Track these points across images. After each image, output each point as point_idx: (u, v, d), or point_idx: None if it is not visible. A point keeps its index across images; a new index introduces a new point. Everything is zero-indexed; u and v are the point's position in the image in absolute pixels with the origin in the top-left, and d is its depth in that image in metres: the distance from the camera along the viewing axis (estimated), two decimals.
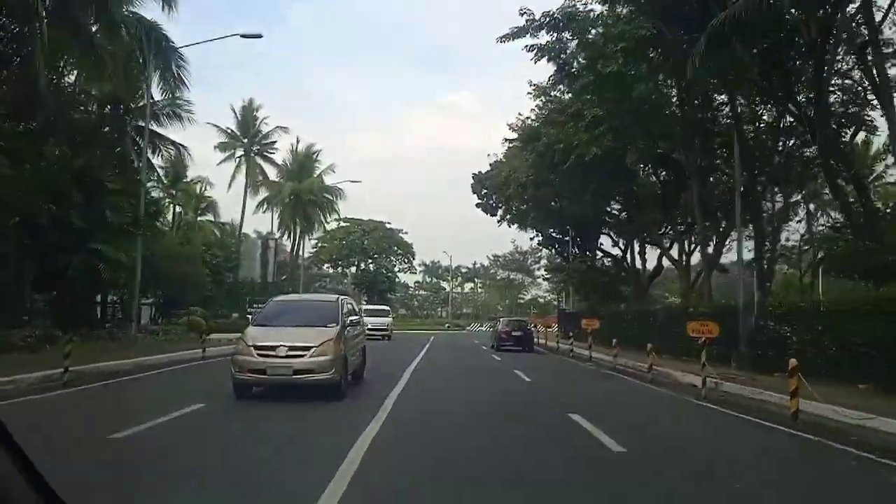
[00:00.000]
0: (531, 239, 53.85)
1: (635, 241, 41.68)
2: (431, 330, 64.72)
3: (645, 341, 20.20)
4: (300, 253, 50.43)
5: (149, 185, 28.54)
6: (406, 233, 78.55)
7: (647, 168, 32.71)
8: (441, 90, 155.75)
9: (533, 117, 29.90)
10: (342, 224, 76.64)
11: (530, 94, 29.41)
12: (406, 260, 79.52)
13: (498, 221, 52.07)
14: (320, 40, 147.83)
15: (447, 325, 71.16)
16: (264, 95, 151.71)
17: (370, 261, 75.77)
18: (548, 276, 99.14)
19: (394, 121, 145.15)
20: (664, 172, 32.00)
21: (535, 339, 37.57)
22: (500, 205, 51.64)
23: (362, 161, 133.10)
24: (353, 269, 77.59)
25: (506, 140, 35.99)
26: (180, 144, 27.85)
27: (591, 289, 41.83)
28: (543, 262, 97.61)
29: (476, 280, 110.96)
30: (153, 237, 28.13)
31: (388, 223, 77.24)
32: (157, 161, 28.41)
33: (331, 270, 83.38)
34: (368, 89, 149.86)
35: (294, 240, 48.03)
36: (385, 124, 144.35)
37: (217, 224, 45.16)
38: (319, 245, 76.52)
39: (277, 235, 49.07)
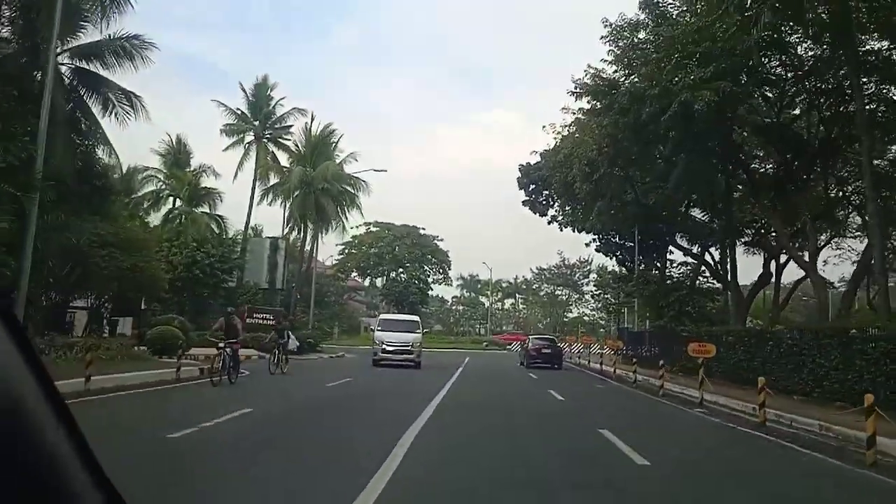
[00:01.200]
0: (587, 245, 45.82)
1: (723, 246, 33.32)
2: (467, 349, 56.83)
3: (755, 374, 15.95)
4: (314, 255, 43.07)
5: (98, 152, 21.49)
6: (441, 240, 71.02)
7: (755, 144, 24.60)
8: (479, 107, 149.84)
9: (609, 69, 22.03)
10: (372, 229, 69.66)
11: (605, 38, 21.56)
12: (441, 270, 71.82)
13: (549, 221, 44.48)
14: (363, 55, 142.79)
15: (485, 343, 63.16)
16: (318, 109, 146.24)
17: (401, 270, 68.33)
18: (597, 291, 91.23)
19: (431, 137, 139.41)
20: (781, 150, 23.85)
21: (600, 366, 29.74)
22: (551, 201, 43.86)
23: (397, 176, 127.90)
24: (383, 279, 70.21)
25: (566, 110, 28.12)
26: (132, 93, 20.77)
27: (665, 304, 33.52)
28: (593, 276, 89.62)
29: (517, 295, 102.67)
30: (101, 219, 21.12)
31: (422, 228, 69.91)
32: (110, 125, 21.14)
33: (360, 280, 76.25)
34: (404, 104, 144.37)
35: (304, 237, 40.71)
36: (422, 140, 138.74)
37: (215, 217, 38.26)
38: (347, 252, 69.50)
39: (286, 232, 41.79)
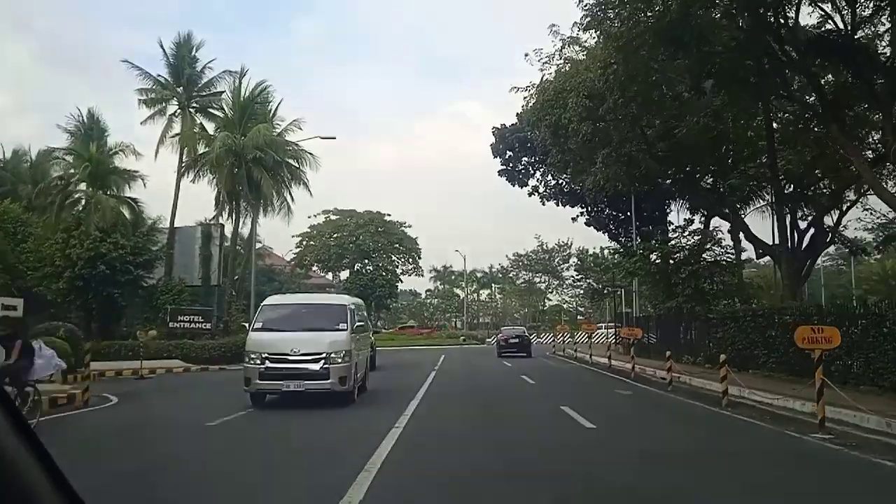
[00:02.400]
0: (574, 220, 39.88)
1: (732, 211, 27.58)
2: (443, 345, 50.66)
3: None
4: (252, 242, 36.34)
5: None
6: (409, 226, 64.46)
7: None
8: (449, 100, 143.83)
9: None
10: (331, 217, 62.95)
11: None
12: (411, 260, 65.33)
13: (529, 193, 38.57)
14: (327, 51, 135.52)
15: (462, 337, 57.07)
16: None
17: (366, 261, 61.72)
18: (578, 276, 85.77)
19: (401, 131, 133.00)
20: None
21: (608, 361, 23.92)
22: (532, 169, 37.89)
23: (370, 170, 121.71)
24: (347, 272, 63.51)
25: (555, 33, 21.74)
26: None
27: (678, 282, 27.62)
28: (573, 260, 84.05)
29: (493, 285, 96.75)
30: None
31: (388, 215, 63.31)
32: None
33: (323, 275, 69.51)
34: (373, 98, 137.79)
35: (235, 220, 33.97)
36: (393, 135, 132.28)
37: (126, 201, 31.43)
38: (305, 243, 62.71)
39: (213, 216, 35.03)
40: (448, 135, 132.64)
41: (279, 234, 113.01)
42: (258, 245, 76.78)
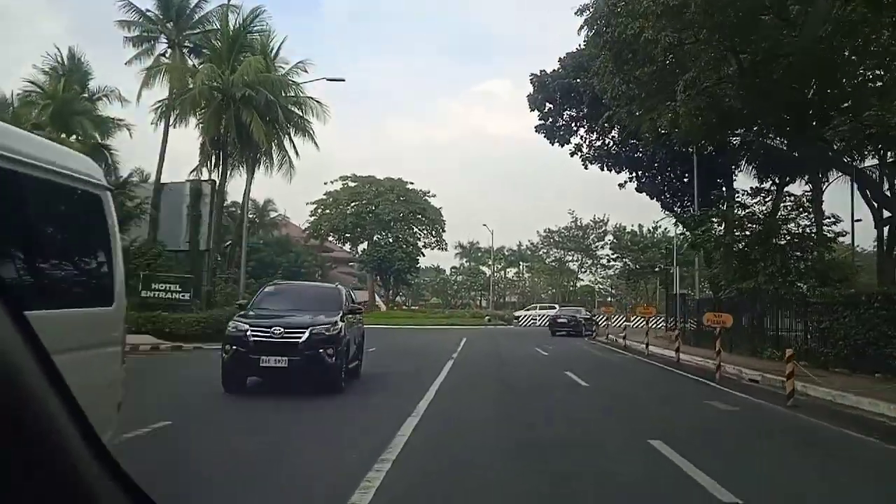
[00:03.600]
0: (621, 186, 34.29)
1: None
2: (465, 325, 45.71)
3: None
4: (245, 200, 31.37)
5: None
6: (433, 195, 59.19)
7: None
8: (476, 78, 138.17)
9: None
10: (349, 183, 57.99)
11: None
12: (434, 232, 60.13)
13: (571, 152, 33.13)
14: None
15: (487, 317, 51.98)
16: None
17: (385, 232, 56.73)
18: (614, 255, 79.95)
19: (428, 109, 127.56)
20: None
21: (676, 356, 18.71)
22: (575, 124, 32.43)
23: (395, 147, 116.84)
24: (366, 244, 58.61)
25: None
26: None
27: (761, 257, 22.16)
28: (609, 239, 78.22)
29: (521, 263, 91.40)
30: None
31: (410, 182, 58.14)
32: None
33: (341, 246, 64.83)
34: (401, 77, 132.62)
35: (222, 173, 28.86)
36: (419, 112, 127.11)
37: (98, 148, 26.70)
38: (320, 211, 57.93)
39: (195, 168, 30.09)
40: (476, 114, 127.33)
41: (298, 201, 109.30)
42: (274, 213, 72.88)
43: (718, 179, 31.23)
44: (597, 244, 78.55)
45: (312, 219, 57.78)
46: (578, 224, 76.75)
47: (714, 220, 24.32)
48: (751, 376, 15.55)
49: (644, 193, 33.58)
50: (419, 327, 43.13)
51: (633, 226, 76.88)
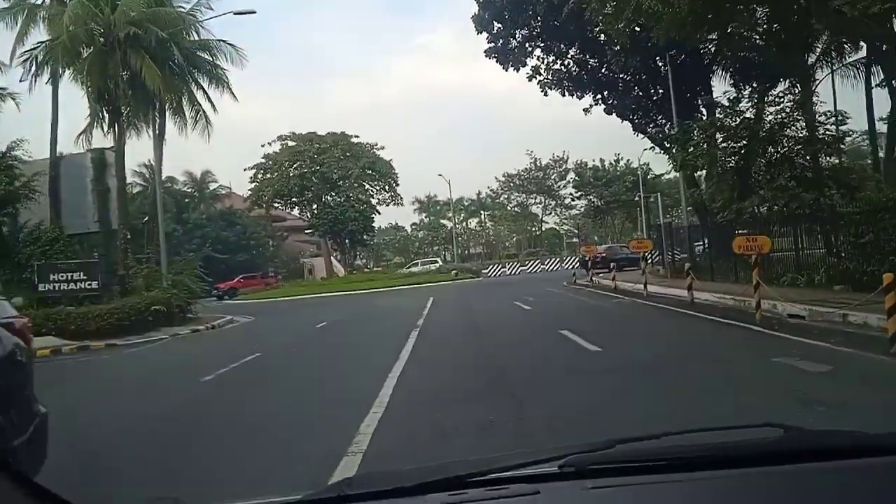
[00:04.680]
0: (586, 111, 30.70)
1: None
2: (432, 282, 42.20)
3: None
4: (157, 171, 26.64)
5: None
6: (382, 148, 54.76)
7: None
8: (413, 32, 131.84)
9: None
10: (288, 143, 53.19)
11: None
12: (387, 187, 55.90)
13: (529, 77, 29.29)
14: None
15: (454, 271, 48.53)
16: None
17: (335, 193, 52.35)
18: (577, 193, 76.87)
19: (369, 68, 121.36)
20: None
21: (689, 295, 15.46)
22: (530, 45, 28.55)
23: (338, 110, 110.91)
24: (315, 207, 54.09)
25: None
26: None
27: (757, 172, 18.96)
28: (571, 177, 74.97)
29: (483, 212, 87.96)
30: None
31: (355, 136, 53.60)
32: None
33: (289, 212, 60.28)
34: (336, 34, 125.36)
35: (119, 136, 23.89)
36: (360, 71, 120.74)
37: None
38: (260, 177, 53.19)
39: (82, 131, 25.23)
40: (419, 67, 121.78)
41: (241, 173, 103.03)
42: (214, 185, 67.55)
43: (697, 87, 27.85)
44: (559, 183, 75.41)
45: (253, 185, 53.08)
46: (538, 164, 73.28)
47: (701, 133, 20.89)
48: (791, 311, 12.34)
49: (615, 116, 30.04)
50: (381, 290, 39.49)
51: (594, 161, 73.99)
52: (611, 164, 73.16)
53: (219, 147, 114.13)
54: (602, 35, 25.53)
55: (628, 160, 72.22)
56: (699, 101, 28.58)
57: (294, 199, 53.72)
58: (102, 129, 22.84)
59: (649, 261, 22.32)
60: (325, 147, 51.45)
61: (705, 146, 20.27)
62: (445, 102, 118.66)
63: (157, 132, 23.92)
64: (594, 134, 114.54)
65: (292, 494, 1.47)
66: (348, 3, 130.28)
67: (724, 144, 21.02)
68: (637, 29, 22.27)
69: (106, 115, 22.58)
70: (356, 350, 12.76)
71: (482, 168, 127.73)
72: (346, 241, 54.81)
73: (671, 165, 23.24)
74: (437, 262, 56.39)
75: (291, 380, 9.96)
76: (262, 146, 52.24)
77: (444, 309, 21.08)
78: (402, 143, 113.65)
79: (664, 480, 1.41)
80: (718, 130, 20.51)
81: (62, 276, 20.93)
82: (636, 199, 63.69)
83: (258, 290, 47.51)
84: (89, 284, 21.09)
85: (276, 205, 54.36)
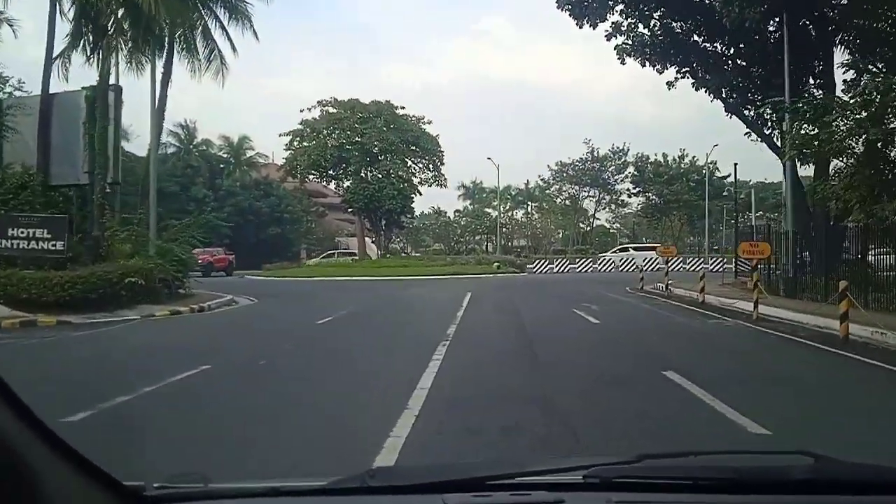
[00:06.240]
0: (670, 85, 25.79)
1: None
2: (471, 274, 37.75)
3: None
4: (159, 116, 22.30)
5: None
6: (429, 122, 50.19)
7: None
8: (471, 17, 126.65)
9: None
10: (329, 110, 49.06)
11: None
12: (431, 166, 51.40)
13: (607, 36, 24.51)
14: None
15: (496, 263, 43.93)
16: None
17: (374, 167, 48.07)
18: (635, 190, 71.04)
19: (422, 50, 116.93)
20: None
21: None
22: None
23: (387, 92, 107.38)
24: (350, 182, 49.91)
25: None
26: None
27: None
28: (630, 170, 69.26)
29: (530, 203, 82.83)
30: None
31: (401, 107, 49.18)
32: None
33: (325, 186, 56.46)
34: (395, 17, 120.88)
35: (101, 61, 19.69)
36: (412, 53, 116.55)
37: None
38: (297, 144, 49.32)
39: (60, 54, 21.09)
40: (475, 53, 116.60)
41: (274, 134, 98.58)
42: (252, 152, 64.08)
43: (812, 63, 22.65)
44: (616, 177, 69.75)
45: (288, 154, 49.22)
46: (595, 155, 67.72)
47: (844, 108, 15.85)
48: None
49: (705, 90, 25.02)
50: (414, 278, 35.23)
51: (656, 155, 68.24)
52: (674, 160, 67.50)
53: (263, 119, 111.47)
54: None
55: (694, 157, 66.54)
56: (811, 81, 23.53)
57: (330, 172, 49.65)
58: (86, 52, 18.79)
59: (761, 270, 17.28)
60: (367, 116, 47.13)
61: (851, 123, 15.23)
62: (499, 89, 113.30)
63: (153, 63, 19.90)
64: (656, 135, 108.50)
65: (317, 481, 1.48)
66: None
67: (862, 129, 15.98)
68: None
69: (90, 35, 18.52)
70: (347, 376, 8.42)
71: (533, 158, 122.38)
72: (383, 221, 50.57)
73: (788, 148, 18.12)
74: (355, 254, 50.91)
75: (210, 433, 5.65)
76: (301, 111, 48.26)
77: (484, 313, 16.60)
78: (450, 127, 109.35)
79: (689, 500, 1.39)
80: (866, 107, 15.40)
81: (22, 233, 17.14)
82: (699, 200, 58.24)
83: (286, 267, 43.98)
84: (53, 245, 17.25)
85: (310, 176, 50.35)
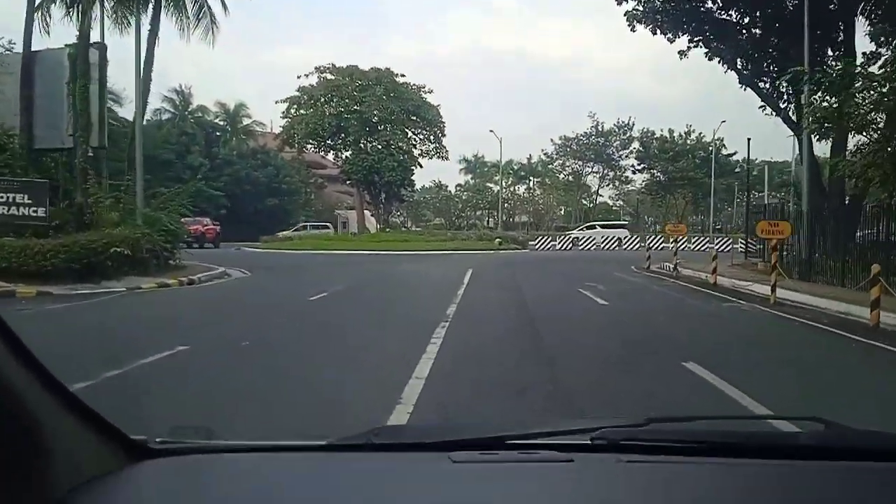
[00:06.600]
0: (682, 54, 24.69)
1: None
2: (472, 251, 36.98)
3: None
4: (141, 78, 20.95)
5: None
6: (430, 92, 48.92)
7: None
8: None
9: None
10: (327, 76, 47.77)
11: None
12: (433, 137, 50.26)
13: (626, 13, 23.40)
14: None
15: (498, 239, 43.09)
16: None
17: (374, 138, 46.94)
18: (640, 166, 69.91)
19: (424, 20, 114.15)
20: None
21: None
22: None
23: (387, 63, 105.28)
24: (348, 153, 48.83)
25: None
26: None
27: None
28: (635, 146, 68.00)
29: (532, 178, 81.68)
30: None
31: (402, 75, 47.86)
32: None
33: (322, 155, 55.38)
34: None
35: (81, 16, 18.45)
36: (413, 24, 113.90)
37: None
38: (294, 111, 48.13)
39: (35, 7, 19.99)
40: (473, 23, 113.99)
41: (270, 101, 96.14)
42: (248, 120, 62.77)
43: (834, 34, 21.62)
44: (620, 153, 68.54)
45: (285, 122, 48.05)
46: (599, 129, 66.45)
47: (871, 80, 14.90)
48: None
49: (719, 59, 24.03)
50: (413, 253, 34.43)
51: (662, 130, 66.91)
52: (680, 136, 66.20)
53: (261, 88, 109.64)
54: None
55: (701, 133, 65.26)
56: (830, 52, 22.52)
57: (329, 142, 48.53)
58: (66, 3, 17.72)
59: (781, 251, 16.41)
60: (366, 84, 45.89)
61: (875, 95, 14.31)
62: (501, 61, 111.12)
63: (137, 18, 18.84)
64: (661, 111, 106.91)
65: (319, 440, 1.47)
66: None
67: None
68: None
69: None
70: (335, 361, 7.65)
71: (535, 133, 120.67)
72: (382, 193, 49.61)
73: (807, 121, 17.19)
74: (328, 227, 50.23)
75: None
76: (298, 77, 47.01)
77: (486, 291, 15.82)
78: (451, 100, 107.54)
79: (696, 462, 1.40)
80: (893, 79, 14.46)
81: (1, 198, 16.29)
82: (705, 178, 57.23)
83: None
84: (34, 211, 16.46)
85: (308, 146, 49.24)
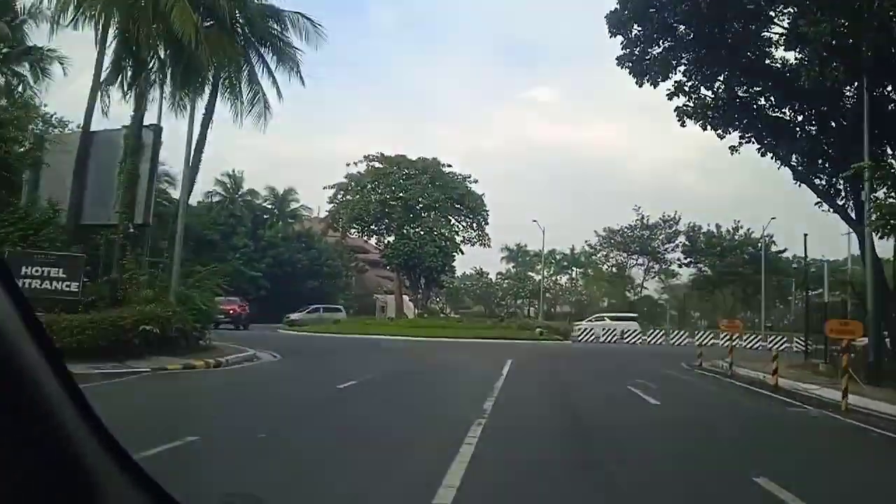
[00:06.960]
0: (734, 150, 24.02)
1: None
2: (512, 339, 35.80)
3: None
4: (188, 156, 21.27)
5: None
6: (475, 181, 49.20)
7: None
8: (523, 85, 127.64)
9: None
10: (375, 165, 48.62)
11: None
12: (475, 225, 50.14)
13: (669, 95, 23.05)
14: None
15: (538, 329, 41.85)
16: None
17: (415, 225, 47.01)
18: (686, 260, 68.41)
19: (472, 114, 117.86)
20: None
21: None
22: (678, 55, 22.38)
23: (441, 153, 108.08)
24: (391, 237, 48.94)
25: None
26: None
27: None
28: (681, 239, 66.76)
29: (575, 269, 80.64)
30: None
31: (448, 165, 48.37)
32: None
33: (365, 240, 55.61)
34: (447, 80, 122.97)
35: (137, 98, 18.85)
36: (462, 117, 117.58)
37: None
38: (341, 198, 48.80)
39: (102, 82, 20.38)
40: (523, 121, 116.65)
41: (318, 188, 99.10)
42: (296, 204, 64.10)
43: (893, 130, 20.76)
44: (665, 246, 67.28)
45: (331, 206, 48.69)
46: (644, 222, 65.60)
47: None
48: None
49: (770, 155, 23.33)
50: (451, 340, 33.45)
51: (709, 226, 65.62)
52: (728, 231, 64.80)
53: (310, 174, 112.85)
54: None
55: (749, 229, 63.80)
56: (889, 151, 21.62)
57: (372, 227, 48.83)
58: (123, 86, 18.16)
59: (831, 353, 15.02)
60: (412, 173, 46.49)
61: None
62: (546, 153, 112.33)
63: (192, 101, 19.18)
64: (708, 205, 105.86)
65: None
66: (460, 48, 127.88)
67: None
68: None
69: (129, 69, 17.90)
70: (357, 463, 6.76)
71: (578, 224, 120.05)
72: (422, 279, 49.23)
73: (870, 217, 16.17)
74: (340, 310, 47.69)
75: None
76: (347, 165, 48.00)
77: (526, 387, 14.75)
78: (496, 192, 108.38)
79: None
80: None
81: (36, 271, 16.18)
82: (755, 274, 55.45)
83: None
84: (67, 285, 16.24)
85: (352, 230, 49.61)
